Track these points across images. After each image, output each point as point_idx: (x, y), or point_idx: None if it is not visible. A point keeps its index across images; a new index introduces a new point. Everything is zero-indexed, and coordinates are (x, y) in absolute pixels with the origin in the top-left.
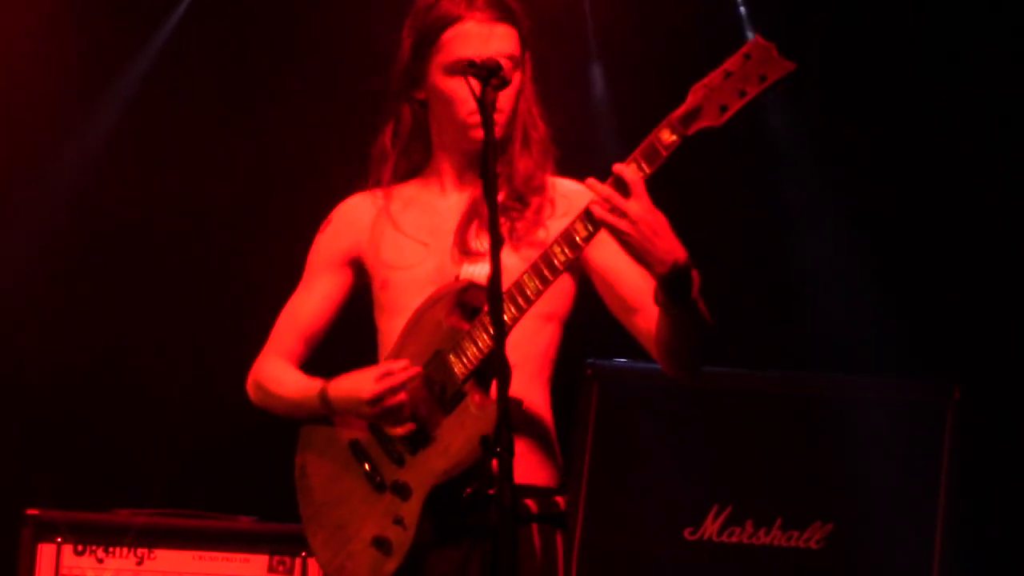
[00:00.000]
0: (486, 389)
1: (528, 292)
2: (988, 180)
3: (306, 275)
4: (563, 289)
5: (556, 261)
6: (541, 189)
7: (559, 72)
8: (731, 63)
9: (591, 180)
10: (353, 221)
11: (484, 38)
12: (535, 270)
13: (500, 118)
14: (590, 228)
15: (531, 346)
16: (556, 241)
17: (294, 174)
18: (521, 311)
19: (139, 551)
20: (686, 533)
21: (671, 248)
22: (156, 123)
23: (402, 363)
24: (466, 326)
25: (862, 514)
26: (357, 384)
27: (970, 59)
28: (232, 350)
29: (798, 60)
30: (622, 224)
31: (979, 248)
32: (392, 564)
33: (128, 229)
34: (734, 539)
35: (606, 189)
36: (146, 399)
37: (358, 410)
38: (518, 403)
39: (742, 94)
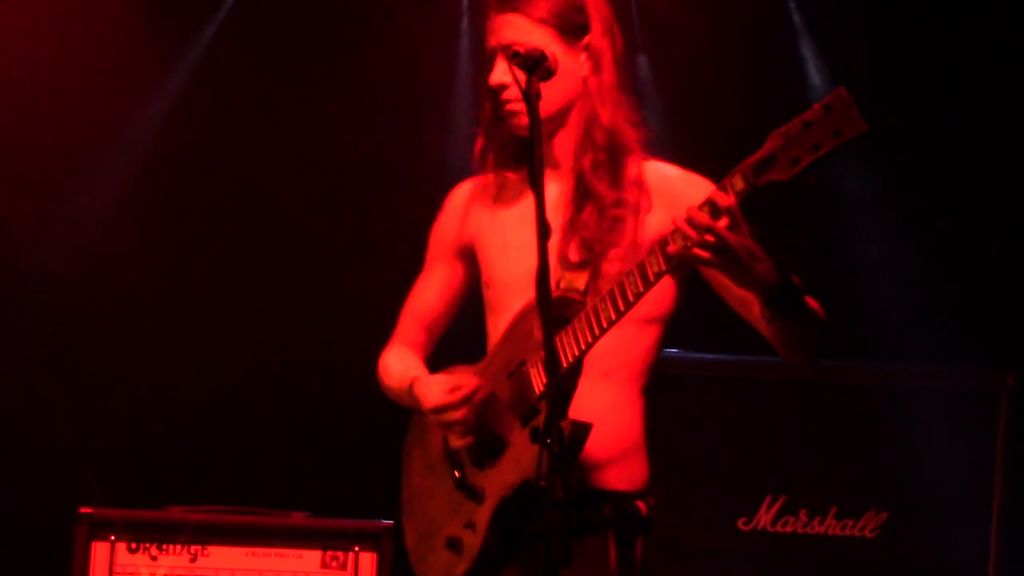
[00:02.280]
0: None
1: (611, 313)
2: None
3: (425, 262)
4: (664, 289)
5: (630, 291)
6: (619, 182)
7: None
8: (811, 113)
9: (691, 209)
10: (461, 210)
11: (492, 29)
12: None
13: (519, 106)
14: (663, 265)
15: (627, 352)
16: (636, 264)
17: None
18: (603, 330)
19: (192, 548)
20: (740, 523)
21: (767, 271)
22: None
23: (473, 382)
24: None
25: (917, 502)
26: (429, 389)
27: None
28: (282, 347)
29: (846, 47)
30: (718, 254)
31: None
32: (462, 567)
33: (176, 236)
34: (788, 528)
35: (706, 219)
36: (198, 396)
37: (425, 415)
38: (587, 427)
39: (816, 148)
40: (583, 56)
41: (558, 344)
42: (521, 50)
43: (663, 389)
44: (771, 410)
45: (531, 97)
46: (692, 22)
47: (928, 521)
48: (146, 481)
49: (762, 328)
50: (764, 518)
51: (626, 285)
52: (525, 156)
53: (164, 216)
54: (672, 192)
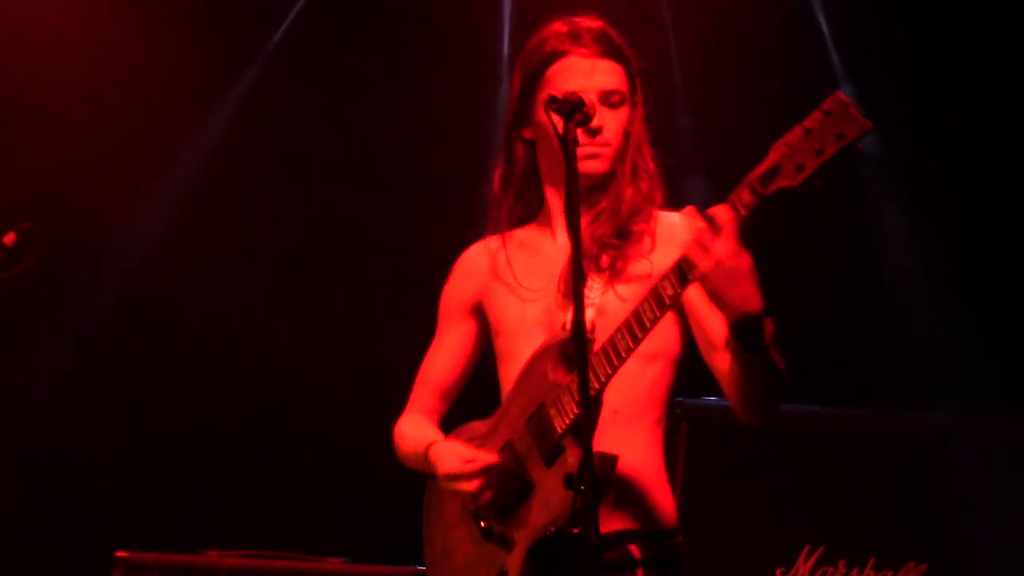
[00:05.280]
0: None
1: (629, 341)
2: None
3: (437, 329)
4: (668, 328)
5: (645, 317)
6: (647, 221)
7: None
8: (810, 120)
9: (690, 208)
10: (472, 270)
11: (587, 72)
12: (634, 318)
13: (607, 151)
14: (677, 286)
15: (632, 388)
16: (650, 290)
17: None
18: (621, 360)
19: None
20: (778, 573)
21: (745, 296)
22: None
23: (487, 456)
24: (567, 379)
25: (957, 553)
26: (445, 456)
27: None
28: (320, 391)
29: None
30: (703, 263)
31: None
32: None
33: (212, 284)
34: None
35: (700, 223)
36: (235, 440)
37: (439, 480)
38: (613, 459)
39: (819, 153)
40: (637, 102)
41: (575, 383)
42: (558, 95)
43: (704, 439)
44: (810, 459)
45: (568, 143)
46: (725, 41)
47: (968, 572)
48: (181, 524)
49: (721, 371)
50: (802, 568)
51: (642, 312)
52: (541, 209)
53: (207, 253)
54: (673, 234)
